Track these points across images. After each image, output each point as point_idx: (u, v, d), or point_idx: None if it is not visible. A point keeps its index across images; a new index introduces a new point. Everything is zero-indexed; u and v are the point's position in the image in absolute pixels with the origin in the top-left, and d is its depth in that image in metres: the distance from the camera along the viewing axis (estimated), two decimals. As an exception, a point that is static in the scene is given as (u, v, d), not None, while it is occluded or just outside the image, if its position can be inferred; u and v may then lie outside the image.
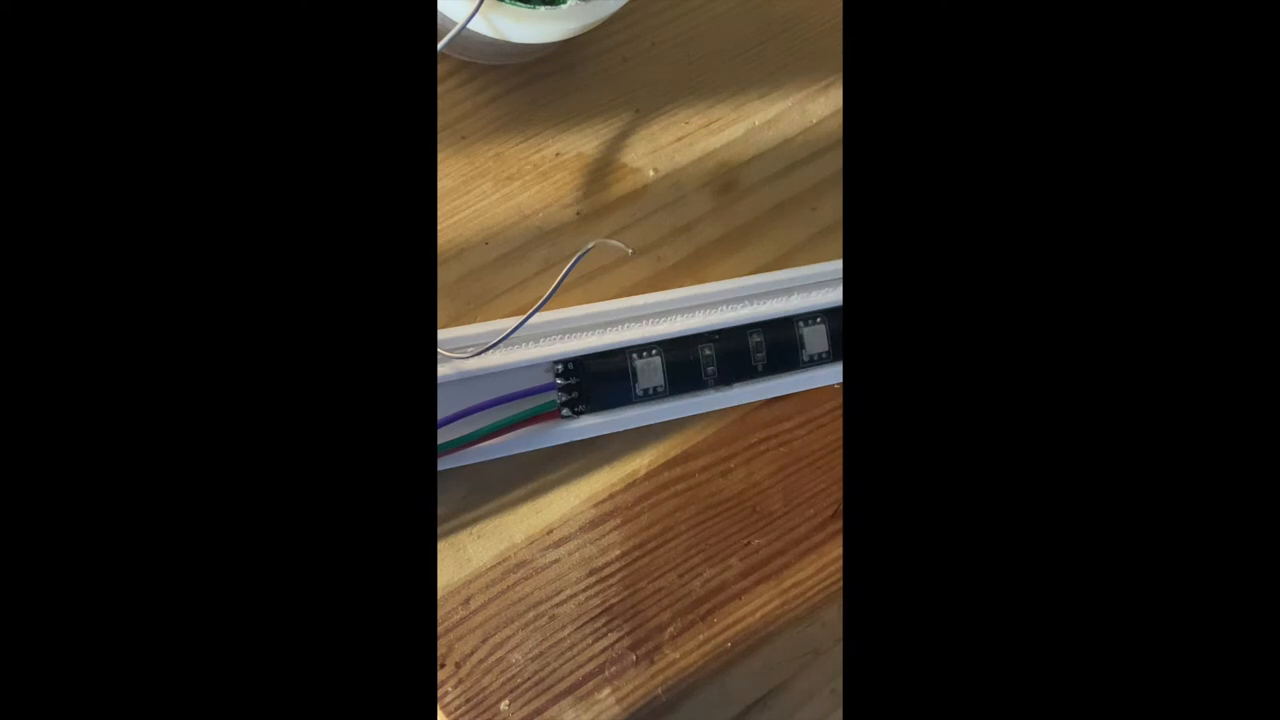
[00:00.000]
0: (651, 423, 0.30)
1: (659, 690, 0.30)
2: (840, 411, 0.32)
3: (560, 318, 0.28)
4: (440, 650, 0.28)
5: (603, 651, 0.29)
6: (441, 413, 0.27)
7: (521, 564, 0.29)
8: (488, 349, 0.26)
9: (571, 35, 0.27)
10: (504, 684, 0.29)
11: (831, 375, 0.31)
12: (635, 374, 0.29)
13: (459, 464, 0.28)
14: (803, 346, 0.31)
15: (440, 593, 0.28)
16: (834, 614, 0.31)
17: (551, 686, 0.29)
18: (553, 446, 0.29)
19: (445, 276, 0.29)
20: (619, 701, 0.29)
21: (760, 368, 0.30)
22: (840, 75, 0.33)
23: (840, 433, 0.32)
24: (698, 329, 0.29)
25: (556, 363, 0.28)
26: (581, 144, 0.31)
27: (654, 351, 0.29)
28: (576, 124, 0.31)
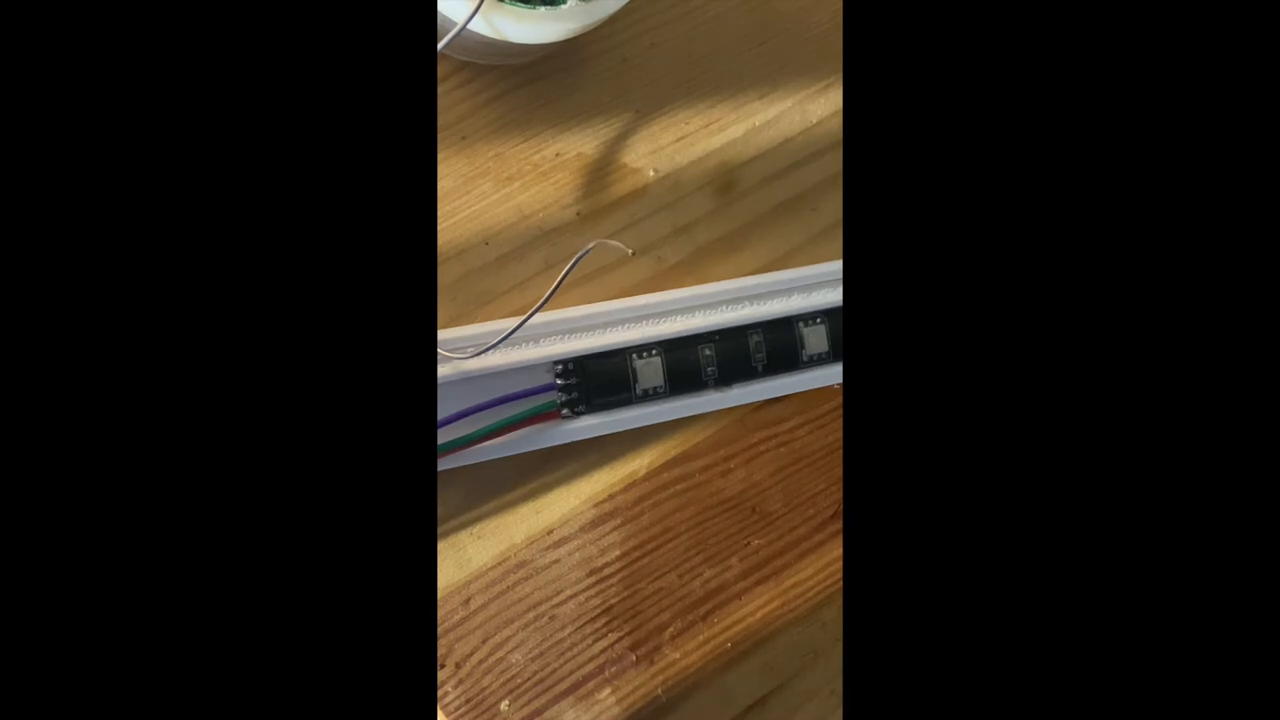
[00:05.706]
0: (651, 423, 0.29)
1: (659, 690, 0.30)
2: (840, 411, 0.32)
3: (560, 318, 0.28)
4: (440, 650, 0.28)
5: (603, 651, 0.29)
6: (441, 413, 0.27)
7: (521, 564, 0.29)
8: (488, 349, 0.26)
9: (571, 35, 0.27)
10: (504, 684, 0.29)
11: (831, 375, 0.31)
12: (635, 374, 0.29)
13: (459, 464, 0.28)
14: (803, 347, 0.31)
15: (440, 593, 0.28)
16: (834, 614, 0.31)
17: (551, 686, 0.29)
18: (553, 446, 0.29)
19: (445, 276, 0.29)
20: (619, 701, 0.29)
21: (760, 368, 0.30)
22: (840, 75, 0.33)
23: (840, 433, 0.32)
24: (698, 329, 0.29)
25: (556, 363, 0.28)
26: (581, 144, 0.31)
27: (654, 352, 0.29)
28: (576, 124, 0.31)
